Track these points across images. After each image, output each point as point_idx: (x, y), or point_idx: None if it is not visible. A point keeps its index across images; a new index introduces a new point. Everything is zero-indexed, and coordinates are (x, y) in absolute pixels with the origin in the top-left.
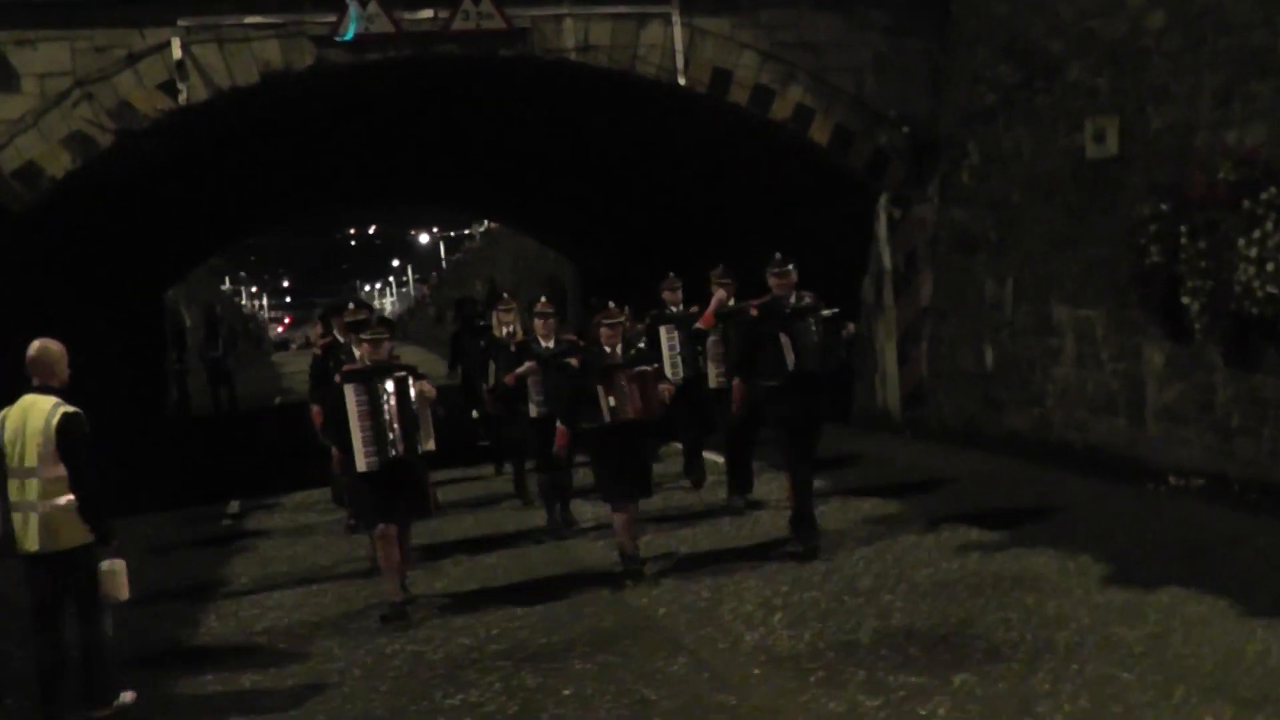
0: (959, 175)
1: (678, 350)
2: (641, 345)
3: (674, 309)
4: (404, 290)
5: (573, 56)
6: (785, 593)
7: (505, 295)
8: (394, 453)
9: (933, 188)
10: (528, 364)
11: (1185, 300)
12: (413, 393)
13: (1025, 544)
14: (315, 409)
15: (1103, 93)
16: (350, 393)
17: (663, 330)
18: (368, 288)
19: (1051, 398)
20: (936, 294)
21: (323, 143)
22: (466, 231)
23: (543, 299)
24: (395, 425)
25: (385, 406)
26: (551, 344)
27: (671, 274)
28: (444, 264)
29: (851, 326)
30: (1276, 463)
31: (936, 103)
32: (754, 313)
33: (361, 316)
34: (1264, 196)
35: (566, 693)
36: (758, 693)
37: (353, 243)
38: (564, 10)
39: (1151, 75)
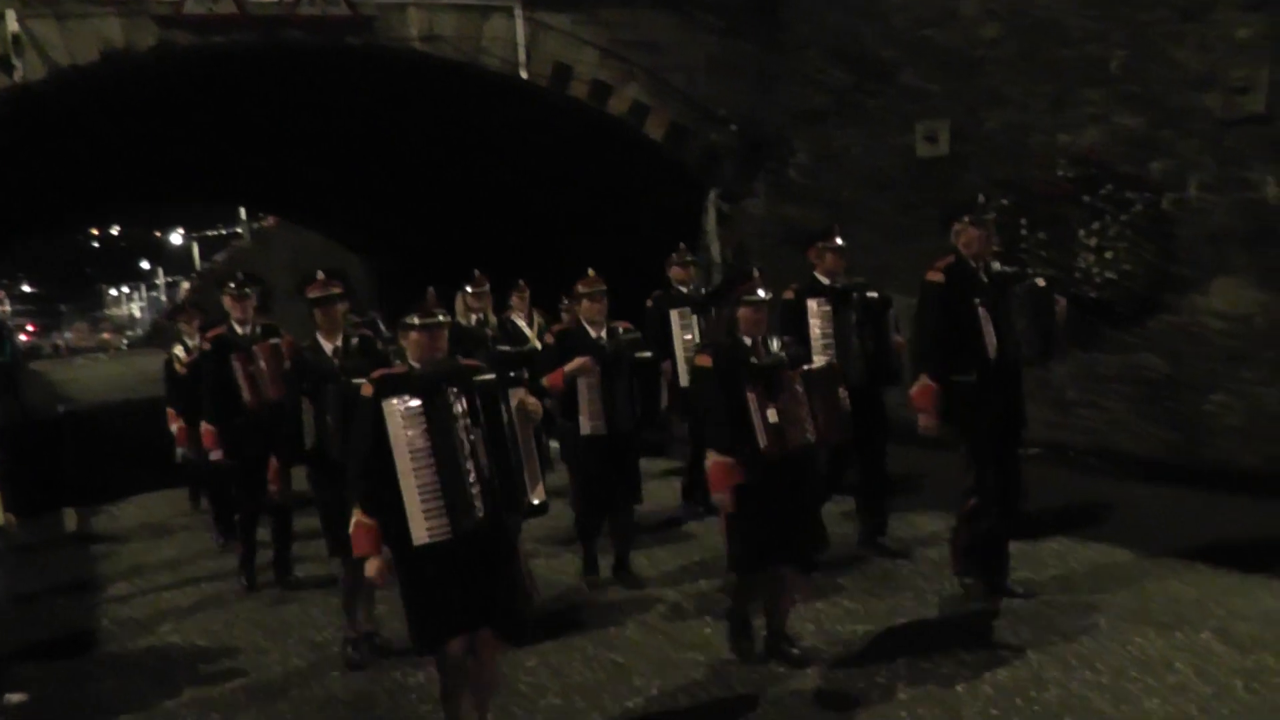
0: (788, 172)
1: (695, 339)
2: (632, 333)
3: (685, 288)
4: (153, 295)
5: (418, 45)
6: None
7: (478, 274)
8: (477, 514)
9: (760, 184)
10: (580, 360)
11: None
12: (509, 412)
13: (900, 509)
14: (172, 414)
15: (935, 96)
16: (397, 417)
17: (674, 315)
18: (113, 291)
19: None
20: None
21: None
22: (225, 231)
23: (590, 272)
24: (478, 468)
25: (461, 438)
26: (604, 334)
27: (682, 245)
28: (199, 265)
29: (1064, 302)
30: (1114, 430)
31: (765, 103)
32: (938, 278)
33: (335, 290)
34: (1103, 192)
35: (530, 663)
36: None
37: (95, 244)
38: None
39: (985, 81)
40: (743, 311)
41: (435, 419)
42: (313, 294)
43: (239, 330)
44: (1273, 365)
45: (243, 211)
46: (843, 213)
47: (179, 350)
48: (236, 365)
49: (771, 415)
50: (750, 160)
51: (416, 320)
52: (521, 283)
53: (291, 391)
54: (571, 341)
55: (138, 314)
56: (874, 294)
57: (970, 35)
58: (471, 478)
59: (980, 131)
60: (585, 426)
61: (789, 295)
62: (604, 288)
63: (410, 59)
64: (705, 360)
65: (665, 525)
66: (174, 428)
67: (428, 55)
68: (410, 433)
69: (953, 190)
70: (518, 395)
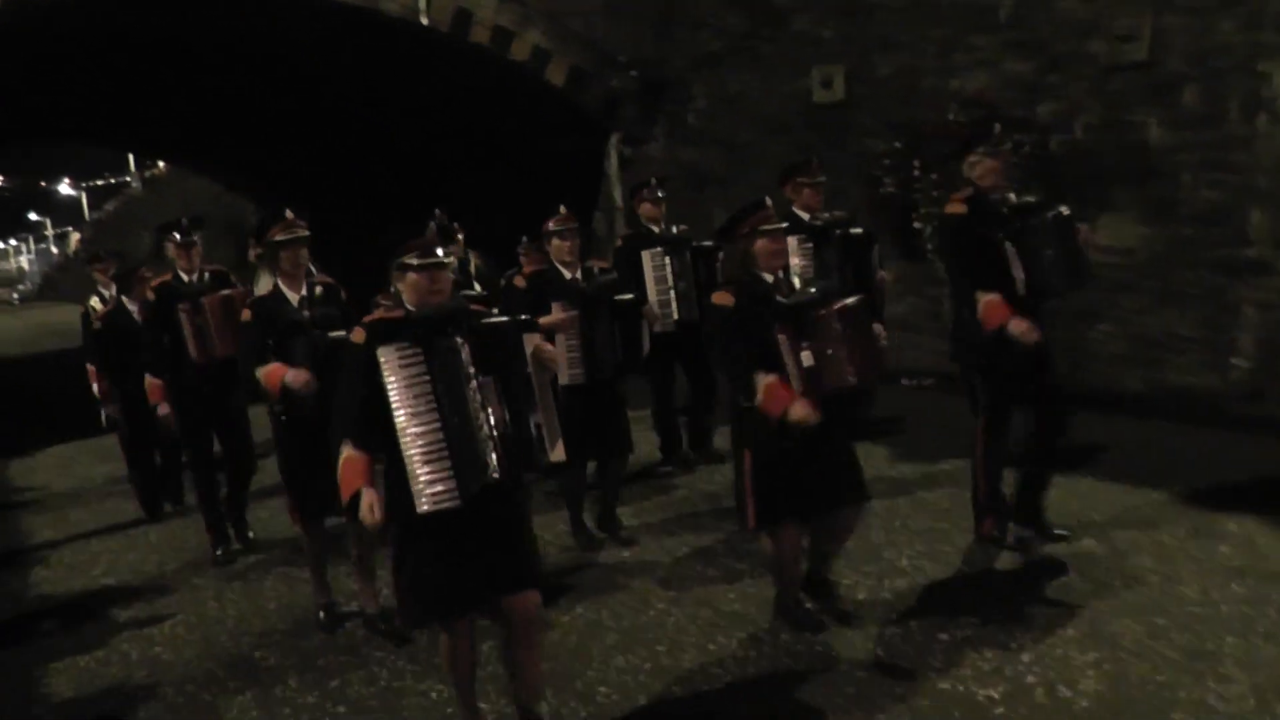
0: (686, 116)
1: (670, 284)
2: (609, 273)
3: (656, 227)
4: (42, 247)
5: None
6: None
7: (439, 212)
8: (491, 473)
9: (660, 128)
10: (560, 315)
11: (918, 225)
12: (527, 358)
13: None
14: (93, 371)
15: (829, 43)
16: (395, 366)
17: (645, 256)
18: (1, 245)
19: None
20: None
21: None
22: (114, 180)
23: (561, 209)
24: (490, 421)
25: (470, 391)
26: (579, 275)
27: (654, 180)
28: (88, 216)
29: (1086, 228)
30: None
31: (663, 48)
32: (961, 209)
33: (302, 231)
34: (992, 134)
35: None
36: None
37: None
38: None
39: (877, 28)
40: (760, 244)
41: (438, 367)
42: (278, 236)
43: (185, 279)
44: (1153, 295)
45: (132, 159)
46: (741, 155)
47: (95, 302)
48: (182, 317)
49: (806, 358)
50: (650, 104)
51: (414, 260)
52: (454, 224)
53: (250, 347)
54: (544, 284)
55: (26, 267)
56: (857, 230)
57: None
58: (484, 432)
59: (874, 76)
60: (563, 376)
61: None
62: (575, 224)
63: (309, 3)
64: (726, 298)
65: (642, 476)
66: (95, 387)
67: (327, 2)
68: (409, 384)
69: (849, 134)
70: (533, 340)
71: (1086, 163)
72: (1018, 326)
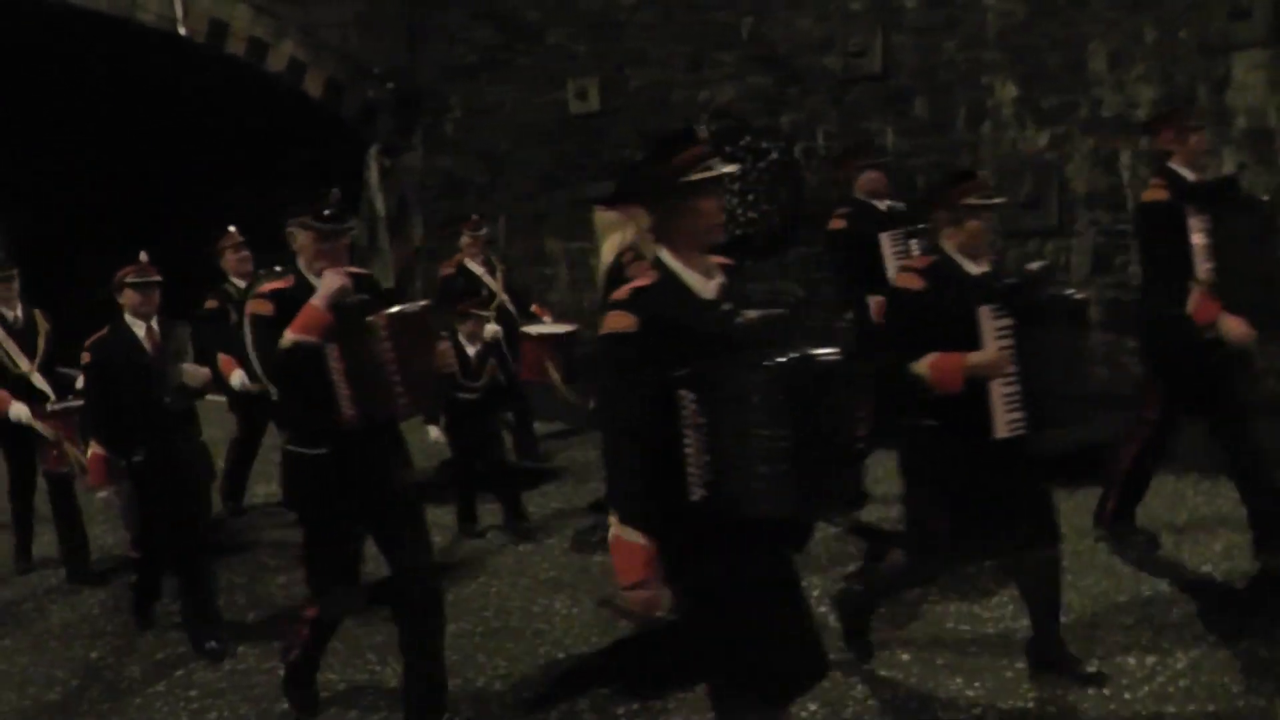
0: (443, 127)
1: None
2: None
3: (881, 204)
4: None
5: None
6: None
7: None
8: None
9: (418, 138)
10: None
11: None
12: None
13: None
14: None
15: (583, 56)
16: None
17: (885, 240)
18: None
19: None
20: (429, 235)
21: None
22: None
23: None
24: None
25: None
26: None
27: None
28: None
29: None
30: None
31: (418, 60)
32: (1162, 195)
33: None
34: (742, 143)
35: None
36: None
37: None
38: None
39: (629, 43)
40: (972, 224)
41: None
42: (130, 279)
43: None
44: None
45: None
46: (500, 164)
47: None
48: None
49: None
50: (406, 115)
51: None
52: (475, 217)
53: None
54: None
55: None
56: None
57: (611, 1)
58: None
59: (628, 88)
60: None
61: (838, 224)
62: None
63: (61, 11)
64: (915, 281)
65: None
66: None
67: (80, 8)
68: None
69: (605, 143)
70: None
71: (827, 167)
72: (1233, 325)
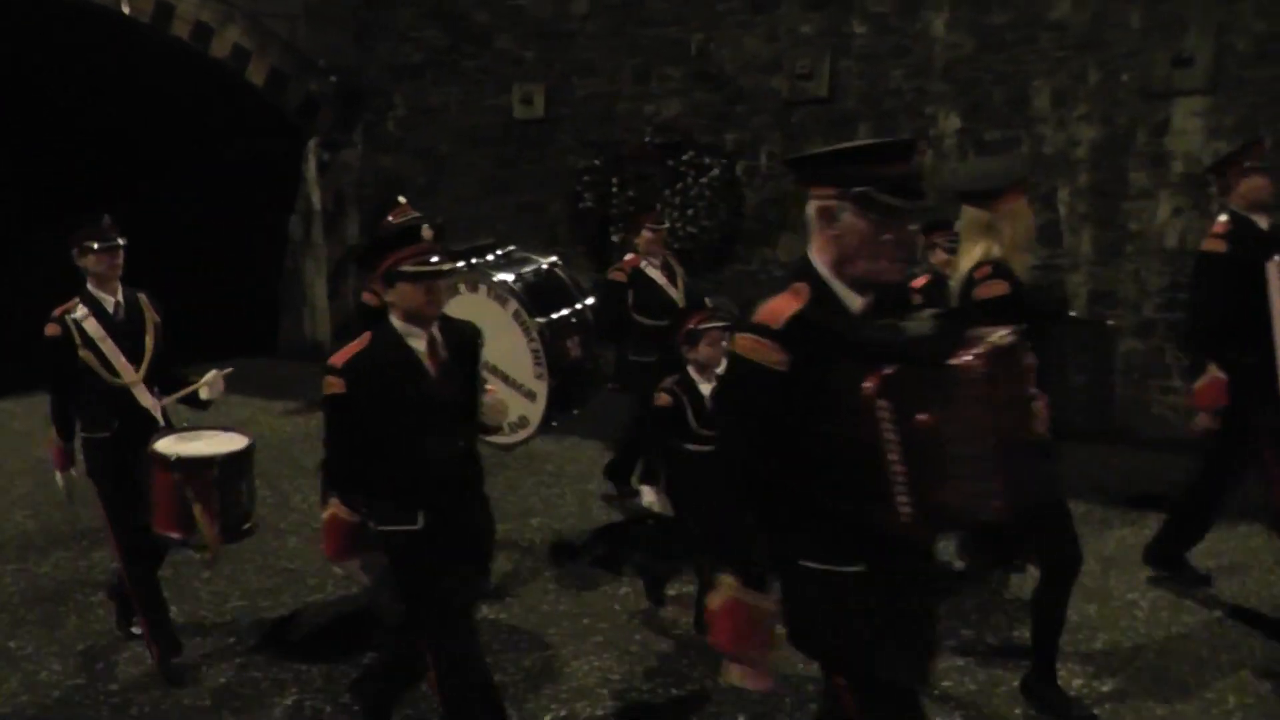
0: (385, 125)
1: None
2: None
3: (1263, 220)
4: None
5: None
6: None
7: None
8: None
9: (359, 134)
10: None
11: (615, 238)
12: None
13: None
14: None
15: (529, 62)
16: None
17: (1273, 269)
18: None
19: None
20: (363, 234)
21: None
22: None
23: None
24: None
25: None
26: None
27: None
28: None
29: None
30: None
31: (364, 56)
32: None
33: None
34: (685, 158)
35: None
36: None
37: None
38: None
39: (577, 52)
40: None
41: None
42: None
43: None
44: None
45: None
46: (441, 165)
47: None
48: None
49: None
50: (348, 111)
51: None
52: (658, 207)
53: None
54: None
55: None
56: None
57: (561, 9)
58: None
59: (573, 97)
60: None
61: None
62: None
63: None
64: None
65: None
66: None
67: None
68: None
69: (549, 150)
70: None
71: (768, 187)
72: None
